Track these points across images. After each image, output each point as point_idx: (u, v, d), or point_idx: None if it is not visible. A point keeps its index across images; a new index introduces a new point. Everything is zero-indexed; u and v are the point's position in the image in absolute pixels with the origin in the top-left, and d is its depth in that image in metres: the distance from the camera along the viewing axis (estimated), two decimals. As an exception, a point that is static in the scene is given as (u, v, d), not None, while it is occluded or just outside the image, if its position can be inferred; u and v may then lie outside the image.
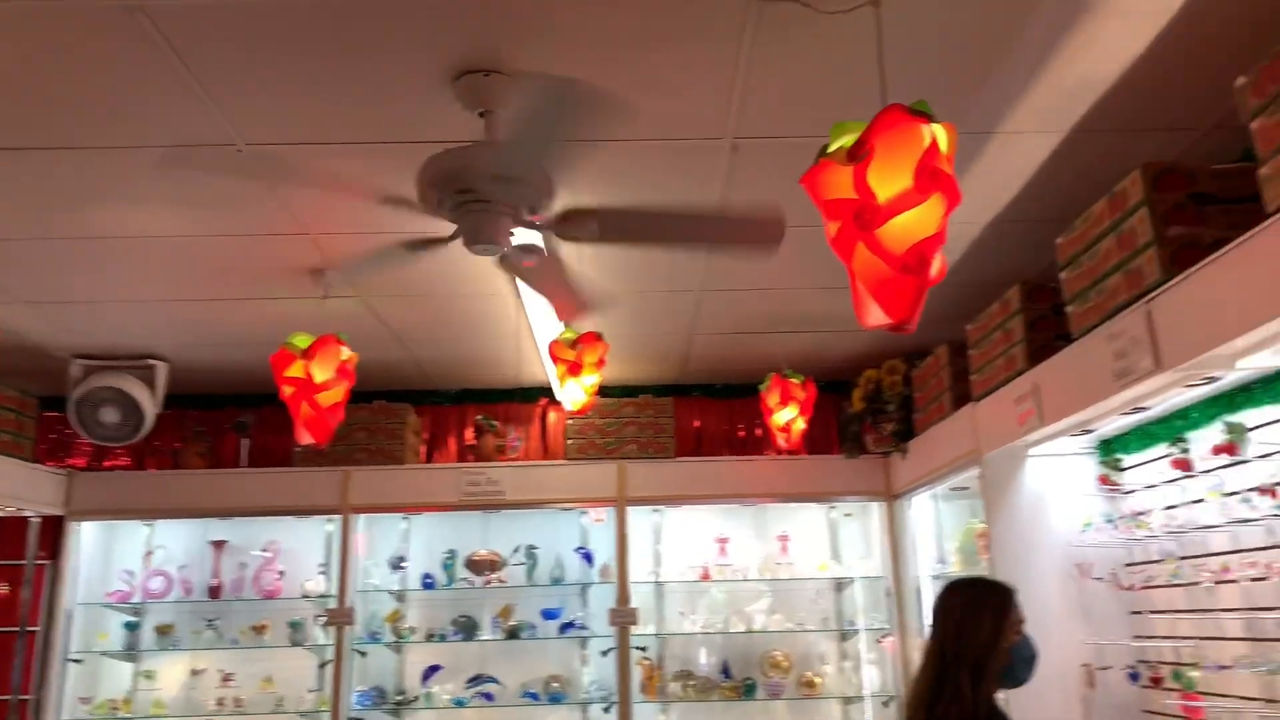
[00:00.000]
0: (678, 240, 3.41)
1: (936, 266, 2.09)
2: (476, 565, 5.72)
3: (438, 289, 4.57)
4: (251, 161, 3.27)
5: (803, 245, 3.49)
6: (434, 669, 5.65)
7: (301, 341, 3.78)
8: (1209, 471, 3.35)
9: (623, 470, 5.68)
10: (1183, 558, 3.51)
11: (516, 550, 5.82)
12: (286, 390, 3.73)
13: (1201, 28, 2.71)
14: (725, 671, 5.70)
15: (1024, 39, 2.77)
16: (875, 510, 5.85)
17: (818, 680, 5.64)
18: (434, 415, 6.23)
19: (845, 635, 5.83)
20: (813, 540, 5.96)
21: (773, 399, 5.14)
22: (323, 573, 5.73)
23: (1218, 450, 3.21)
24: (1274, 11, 2.58)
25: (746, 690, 5.60)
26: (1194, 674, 3.39)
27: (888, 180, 2.02)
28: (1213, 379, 2.99)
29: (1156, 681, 3.59)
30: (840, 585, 5.91)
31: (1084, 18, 2.68)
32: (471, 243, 2.87)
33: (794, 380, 5.11)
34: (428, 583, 5.70)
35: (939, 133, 2.06)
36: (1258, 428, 3.10)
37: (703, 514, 5.98)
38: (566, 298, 3.68)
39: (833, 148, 2.11)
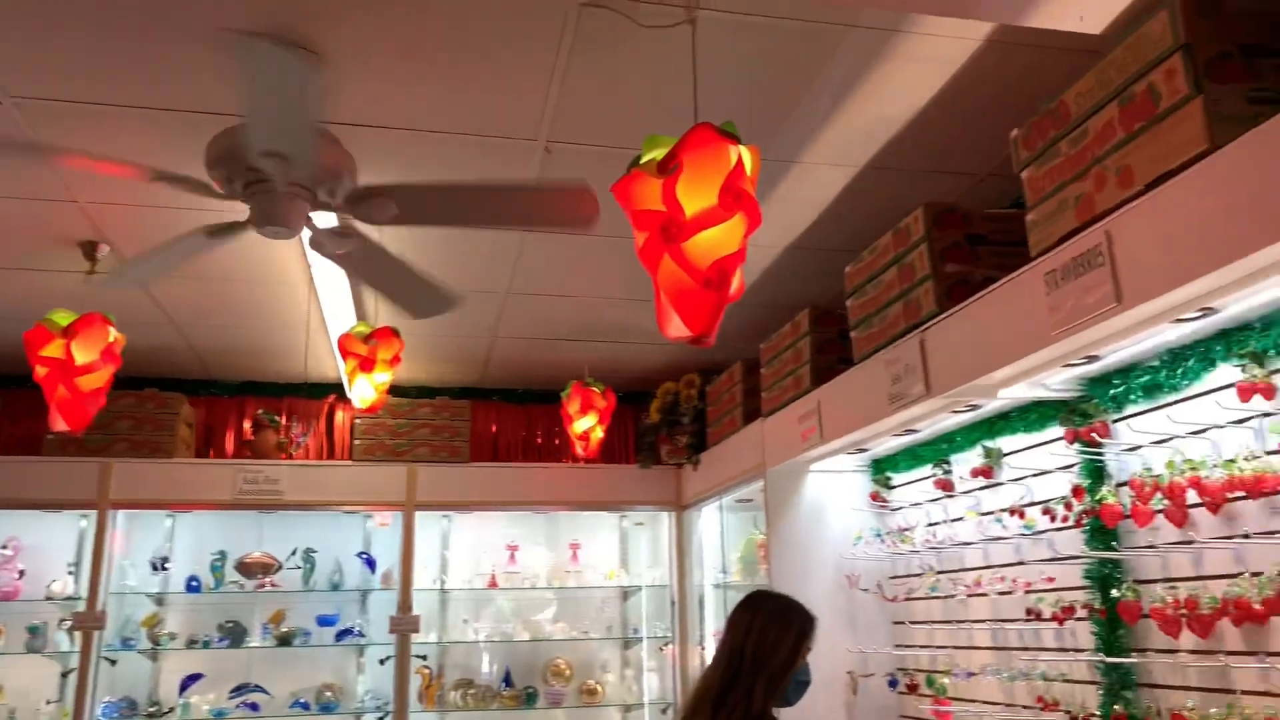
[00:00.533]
0: (485, 218, 3.24)
1: (736, 284, 2.15)
2: (248, 568, 5.40)
3: (221, 272, 4.28)
4: (15, 115, 2.95)
5: (610, 255, 3.53)
6: (194, 678, 5.27)
7: (62, 319, 3.45)
8: (968, 492, 3.63)
9: (413, 474, 5.52)
10: (941, 571, 3.77)
11: (294, 553, 5.53)
12: (40, 371, 3.39)
13: (984, 81, 2.94)
14: (507, 680, 5.64)
15: (827, 75, 2.91)
16: (665, 520, 5.96)
17: (599, 688, 5.68)
18: (210, 407, 5.84)
19: (629, 643, 5.91)
20: (603, 549, 6.01)
21: (573, 406, 5.15)
22: (72, 573, 5.23)
23: (975, 473, 3.48)
24: (1046, 72, 2.84)
25: (527, 699, 5.56)
26: (945, 680, 3.65)
27: (695, 196, 2.06)
28: (976, 406, 3.24)
29: (913, 688, 3.84)
30: (627, 594, 5.99)
31: (882, 61, 2.85)
32: (262, 225, 2.71)
33: (595, 389, 5.14)
34: (193, 586, 5.32)
35: (745, 154, 2.12)
36: (1011, 453, 3.38)
37: (494, 520, 5.91)
38: (412, 295, 3.46)
39: (644, 159, 2.13)
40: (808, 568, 4.27)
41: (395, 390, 5.69)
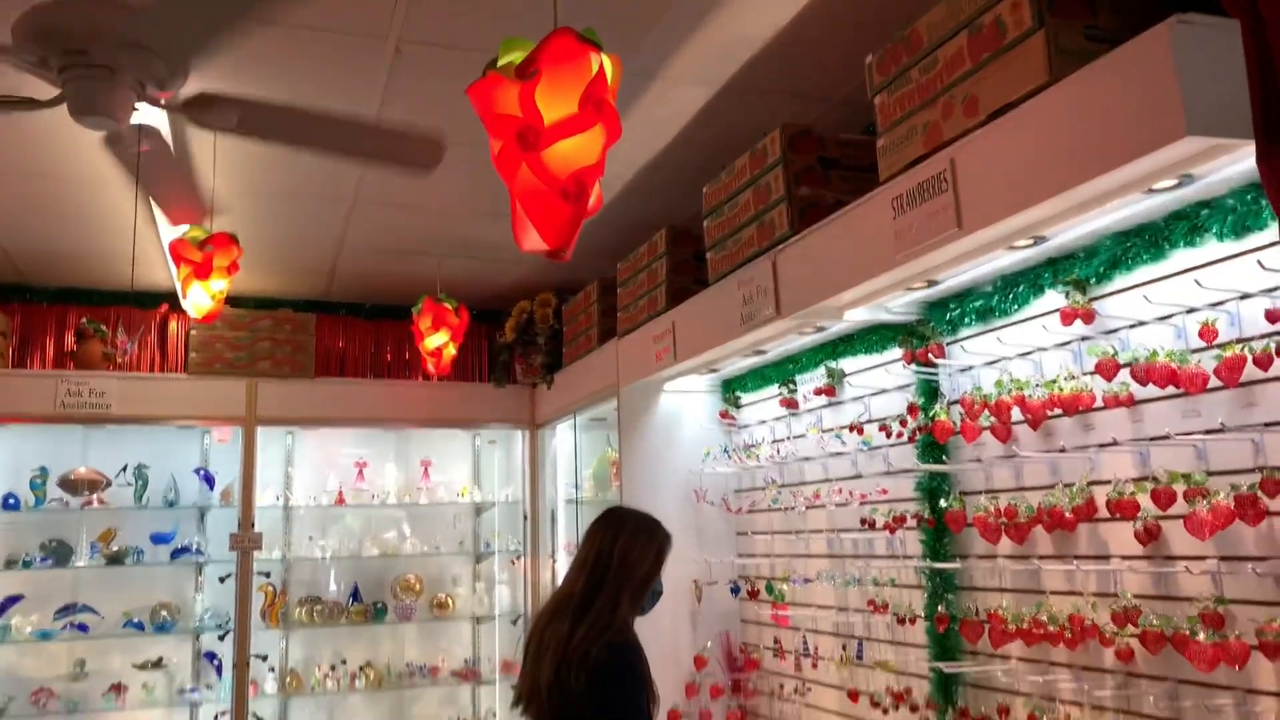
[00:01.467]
0: (327, 147, 3.15)
1: (594, 197, 2.11)
2: (73, 485, 5.10)
3: (30, 165, 3.92)
4: None
5: (464, 166, 3.41)
6: (13, 599, 4.99)
7: None
8: (811, 410, 3.77)
9: (253, 388, 5.31)
10: (783, 485, 3.93)
11: (124, 469, 5.26)
12: None
13: (845, 5, 2.96)
14: (355, 595, 5.58)
15: (691, -12, 2.87)
16: (519, 438, 5.97)
17: (450, 601, 5.70)
18: (26, 315, 5.41)
19: (480, 557, 5.94)
20: (456, 466, 5.97)
21: (425, 323, 5.03)
22: None
23: (819, 392, 3.62)
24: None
25: (376, 613, 5.53)
26: (784, 587, 3.84)
27: (554, 103, 2.00)
28: (822, 328, 3.35)
29: (754, 594, 4.01)
30: (480, 509, 5.99)
31: (745, -23, 2.82)
32: (80, 113, 2.48)
33: (448, 305, 5.03)
34: (10, 503, 4.99)
35: (606, 63, 2.07)
36: (853, 374, 3.52)
37: (342, 437, 5.77)
38: (182, 198, 3.30)
39: (501, 63, 2.05)
40: (658, 483, 4.37)
41: (234, 301, 5.42)
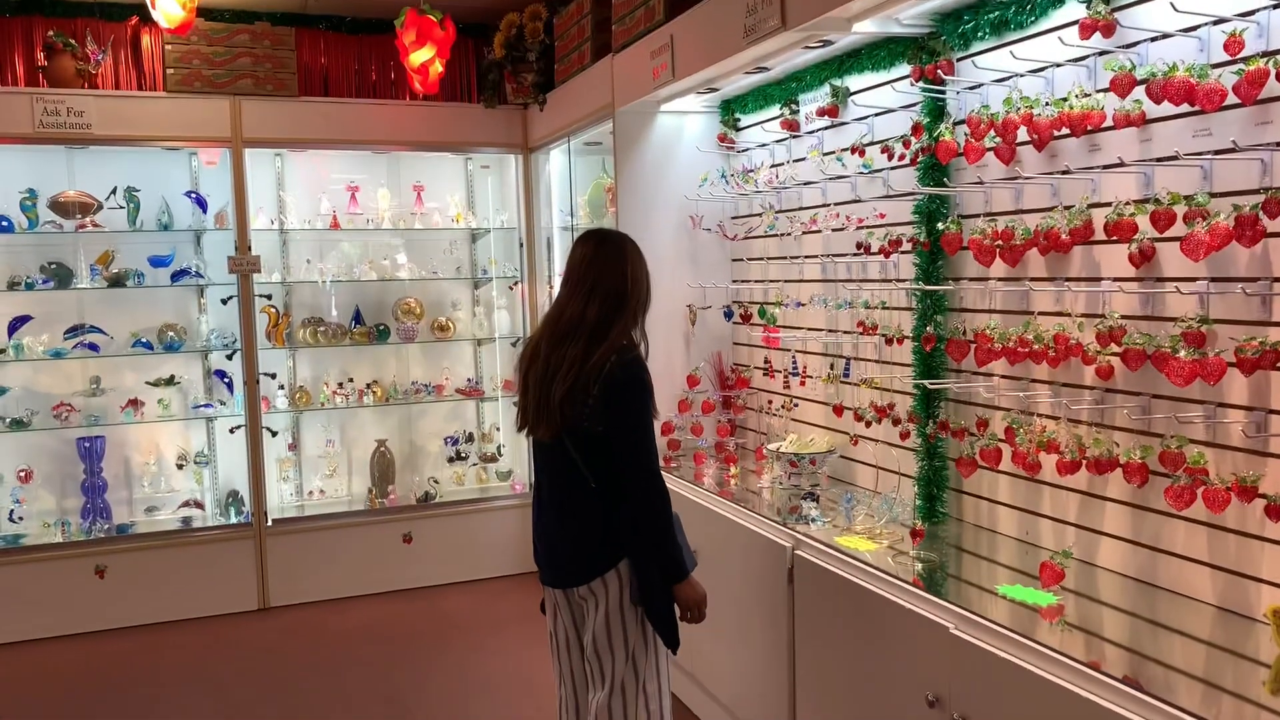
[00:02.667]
0: None
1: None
2: (64, 207, 5.05)
3: None
4: None
5: None
6: (22, 319, 5.08)
7: None
8: (812, 132, 3.67)
9: (236, 107, 5.13)
10: (780, 211, 3.90)
11: (114, 192, 5.19)
12: None
13: None
14: (357, 319, 5.70)
15: None
16: (512, 163, 5.86)
17: (451, 324, 5.83)
18: (-11, 27, 5.12)
19: (478, 283, 6.00)
20: (449, 192, 5.90)
21: (409, 37, 4.78)
22: None
23: (821, 112, 3.50)
24: None
25: (379, 335, 5.67)
26: (776, 311, 3.91)
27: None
28: (828, 41, 3.18)
29: (746, 318, 4.10)
30: (475, 236, 5.99)
31: None
32: None
33: (432, 17, 4.76)
34: (4, 225, 4.97)
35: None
36: (858, 92, 3.39)
37: (331, 161, 5.65)
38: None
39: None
40: (654, 209, 4.34)
41: (207, 14, 5.14)
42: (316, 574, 5.32)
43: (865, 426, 3.26)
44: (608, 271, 2.59)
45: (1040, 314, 2.65)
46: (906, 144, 3.02)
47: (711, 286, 4.33)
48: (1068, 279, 2.55)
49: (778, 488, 3.60)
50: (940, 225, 2.79)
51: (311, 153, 5.55)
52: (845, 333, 3.55)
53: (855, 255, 3.43)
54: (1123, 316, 2.35)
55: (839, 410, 3.42)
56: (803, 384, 3.73)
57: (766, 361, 3.97)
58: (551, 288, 5.71)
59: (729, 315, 4.28)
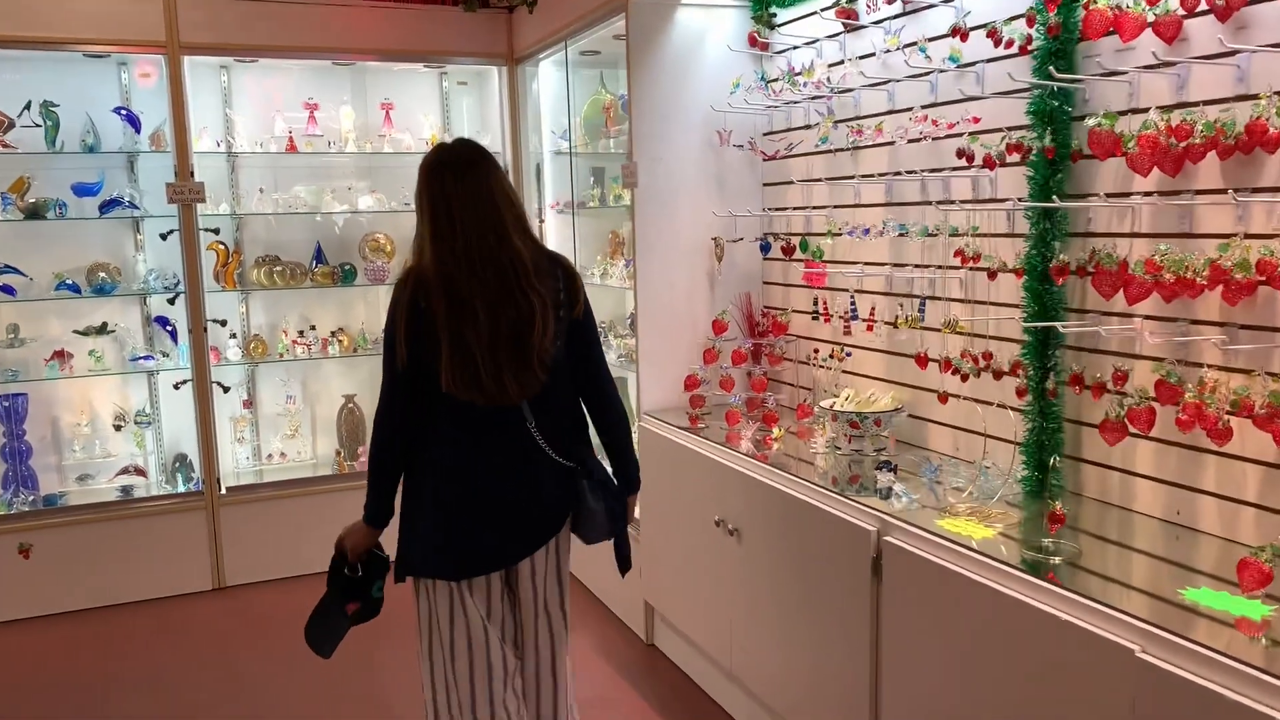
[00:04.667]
0: None
1: None
2: (-33, 124, 4.28)
3: None
4: None
5: None
6: (-79, 259, 4.33)
7: None
8: (877, 23, 3.02)
9: (171, 7, 4.35)
10: (838, 121, 3.25)
11: (28, 107, 4.41)
12: None
13: None
14: (319, 257, 4.99)
15: None
16: (495, 77, 5.13)
17: (425, 265, 5.13)
18: None
19: (456, 217, 5.30)
20: (422, 112, 5.17)
21: (375, -81, 4.03)
22: None
23: (895, -5, 2.85)
24: None
25: (344, 275, 4.97)
26: (827, 242, 3.28)
27: None
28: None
29: (789, 251, 3.46)
30: (451, 163, 5.26)
31: None
32: None
33: (403, -105, 4.01)
34: (-107, 146, 4.19)
35: None
36: (945, -34, 2.74)
37: (286, 73, 4.90)
38: None
39: None
40: (672, 124, 3.68)
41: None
42: (278, 548, 4.66)
43: (962, 381, 2.66)
44: (494, 191, 2.20)
45: (1205, 235, 2.06)
46: (1030, 20, 2.37)
47: (746, 215, 3.68)
48: (1257, 189, 1.95)
49: (834, 454, 3.01)
50: (1091, 121, 2.15)
51: (264, 65, 4.79)
52: (918, 266, 2.94)
53: (935, 172, 2.80)
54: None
55: (922, 360, 2.80)
56: (870, 329, 3.11)
57: (817, 303, 3.34)
58: (542, 222, 5.04)
59: (765, 248, 3.65)
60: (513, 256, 2.16)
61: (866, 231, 3.02)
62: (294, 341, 4.91)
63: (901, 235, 2.92)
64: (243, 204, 4.83)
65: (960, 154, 2.55)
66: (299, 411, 5.04)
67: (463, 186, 2.17)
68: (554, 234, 4.99)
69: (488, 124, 5.25)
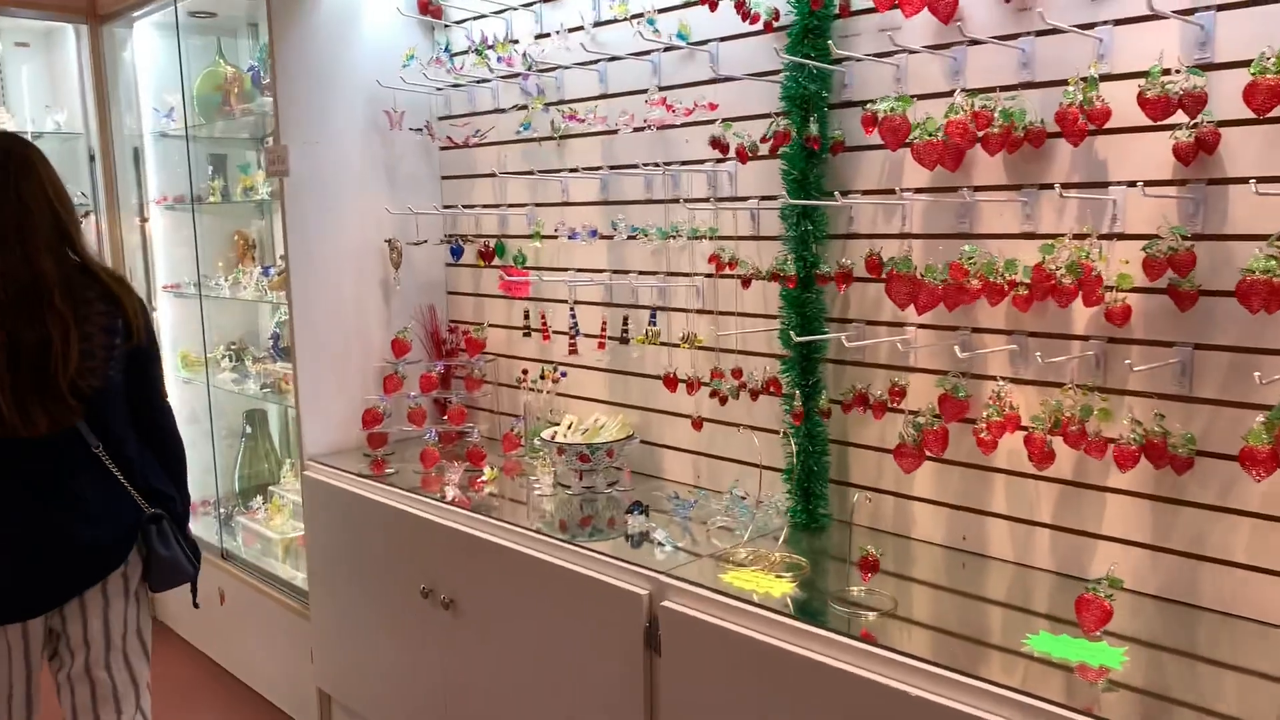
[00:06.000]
0: None
1: None
2: None
3: None
4: None
5: None
6: None
7: None
8: (586, -9, 2.61)
9: None
10: (549, 104, 2.77)
11: None
12: None
13: None
14: None
15: None
16: (70, 38, 4.03)
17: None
18: None
19: (21, 215, 4.11)
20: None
21: None
22: None
23: (612, -43, 2.45)
24: None
25: None
26: (536, 245, 2.82)
27: None
28: None
29: (487, 256, 2.94)
30: (12, 146, 4.07)
31: None
32: None
33: None
34: None
35: None
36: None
37: None
38: None
39: None
40: (331, 99, 3.00)
41: None
42: None
43: (720, 404, 2.30)
44: (25, 194, 1.96)
45: (989, 236, 1.89)
46: (790, -15, 2.07)
47: (429, 212, 3.09)
48: (1066, 185, 1.79)
49: (561, 493, 2.55)
50: (874, 107, 1.88)
51: None
52: (643, 273, 2.57)
53: (662, 167, 2.44)
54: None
55: (670, 382, 2.42)
56: (601, 346, 2.66)
57: (529, 317, 2.84)
58: (146, 221, 4.06)
59: (457, 252, 3.08)
60: (38, 274, 1.92)
61: (594, 233, 2.59)
62: None
63: (632, 238, 2.53)
64: None
65: (714, 143, 2.19)
66: None
67: None
68: (163, 237, 4.03)
69: (62, 98, 4.12)
